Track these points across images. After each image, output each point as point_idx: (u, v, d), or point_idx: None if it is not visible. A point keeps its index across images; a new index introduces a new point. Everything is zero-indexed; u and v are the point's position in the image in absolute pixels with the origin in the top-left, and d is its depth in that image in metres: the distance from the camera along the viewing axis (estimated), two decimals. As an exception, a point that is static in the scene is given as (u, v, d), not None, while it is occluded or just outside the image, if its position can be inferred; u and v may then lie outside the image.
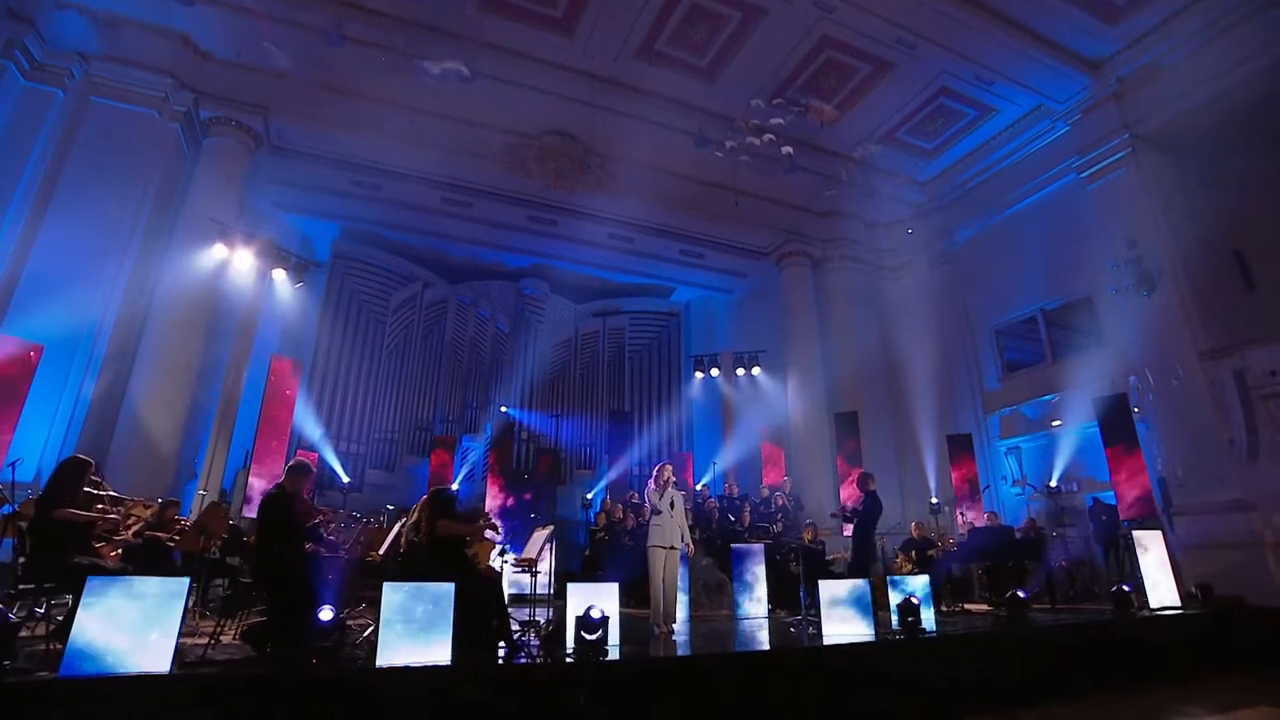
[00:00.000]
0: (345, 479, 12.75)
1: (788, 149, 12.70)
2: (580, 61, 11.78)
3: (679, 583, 8.53)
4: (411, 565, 6.33)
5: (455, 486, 13.85)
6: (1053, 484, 12.39)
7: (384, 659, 4.26)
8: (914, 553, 9.43)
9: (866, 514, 7.53)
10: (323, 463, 12.36)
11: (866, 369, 14.36)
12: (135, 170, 9.61)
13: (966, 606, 8.77)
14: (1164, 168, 11.69)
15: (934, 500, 13.22)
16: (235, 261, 10.01)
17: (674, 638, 6.26)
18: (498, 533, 6.35)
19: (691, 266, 16.39)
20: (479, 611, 5.21)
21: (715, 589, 9.42)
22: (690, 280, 17.25)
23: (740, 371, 15.14)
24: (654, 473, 7.11)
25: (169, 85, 9.99)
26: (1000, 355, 14.09)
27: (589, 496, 14.03)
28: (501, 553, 8.18)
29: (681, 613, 8.25)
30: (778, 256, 15.51)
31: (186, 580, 4.12)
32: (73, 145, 9.30)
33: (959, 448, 12.55)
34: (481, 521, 6.57)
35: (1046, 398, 12.87)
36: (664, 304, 18.00)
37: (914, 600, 5.65)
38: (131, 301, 9.55)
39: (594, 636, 4.77)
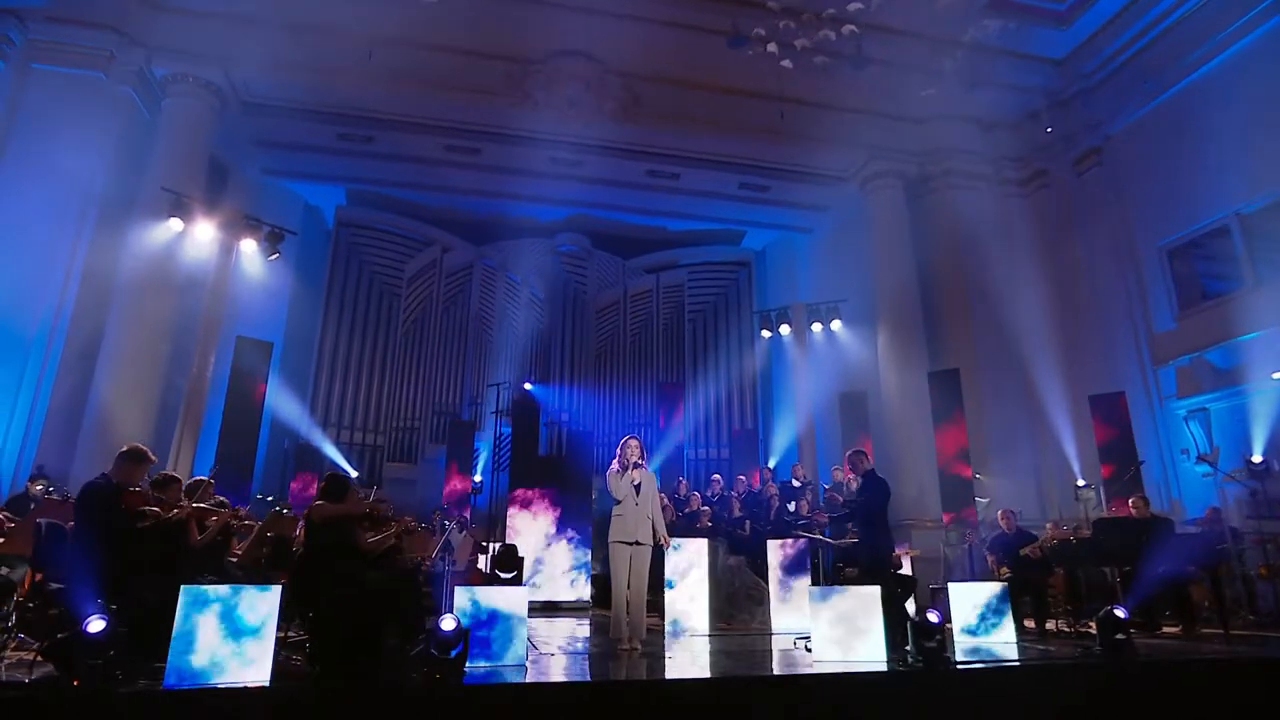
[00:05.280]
0: (353, 474, 12.78)
1: (850, 27, 11.00)
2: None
3: (705, 588, 7.70)
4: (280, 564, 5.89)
5: (478, 478, 13.58)
6: (1255, 459, 9.96)
7: (176, 679, 3.89)
8: (1001, 553, 7.77)
9: (867, 501, 6.18)
10: (321, 456, 12.46)
11: (982, 313, 12.32)
12: (86, 142, 9.73)
13: (1092, 626, 7.05)
14: None
15: (1080, 483, 11.20)
16: (198, 235, 10.05)
17: (640, 657, 5.50)
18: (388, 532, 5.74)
19: (756, 203, 14.92)
20: (363, 618, 4.70)
21: (746, 596, 8.36)
22: (760, 220, 15.76)
23: (816, 327, 13.57)
24: (618, 450, 6.27)
25: (114, 42, 10.05)
26: (1175, 284, 11.58)
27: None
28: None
29: (700, 625, 7.38)
30: (861, 180, 13.69)
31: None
32: (16, 119, 9.62)
33: (1107, 411, 10.42)
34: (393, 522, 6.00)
35: (1246, 337, 10.31)
36: (732, 252, 16.65)
37: (931, 619, 4.47)
38: (92, 286, 9.76)
39: (449, 655, 4.09)
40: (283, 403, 12.45)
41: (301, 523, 5.59)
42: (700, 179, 14.32)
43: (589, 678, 4.77)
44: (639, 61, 12.29)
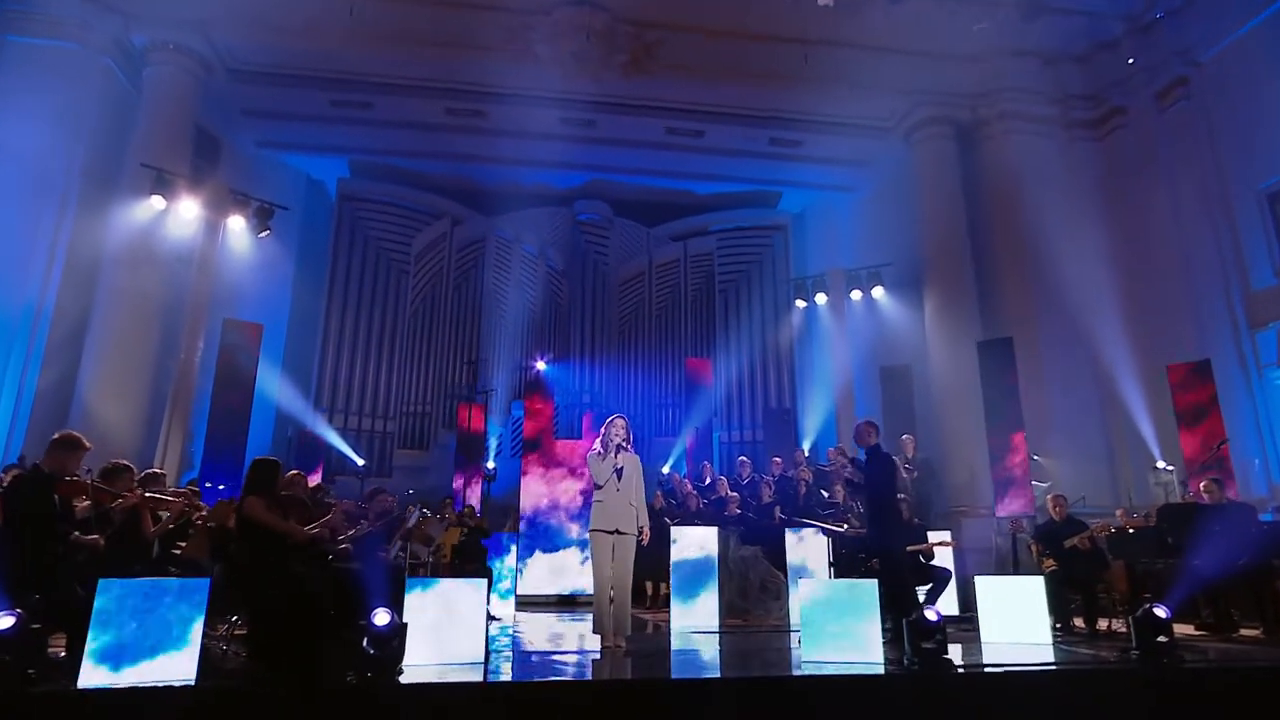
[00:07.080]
0: (359, 462, 12.79)
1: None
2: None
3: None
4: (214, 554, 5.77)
5: (491, 465, 13.47)
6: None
7: (90, 679, 3.77)
8: (1047, 543, 7.13)
9: (869, 483, 5.68)
10: (326, 446, 12.47)
11: (1043, 275, 11.48)
12: (65, 117, 9.76)
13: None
14: None
15: (1158, 464, 10.39)
16: (182, 212, 10.06)
17: (624, 656, 5.33)
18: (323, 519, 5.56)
19: (790, 160, 14.26)
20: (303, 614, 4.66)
21: (761, 589, 8.02)
22: (795, 179, 15.07)
23: (856, 295, 12.94)
24: (602, 429, 5.98)
25: (88, 9, 10.02)
26: (1277, 233, 10.57)
27: (664, 471, 12.98)
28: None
29: (709, 621, 7.09)
30: (905, 130, 12.90)
31: None
32: (-8, 95, 9.82)
33: (1191, 383, 9.59)
34: (330, 515, 5.81)
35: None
36: (766, 215, 16.01)
37: (929, 617, 4.15)
38: (76, 269, 9.82)
39: (382, 653, 3.96)
40: (285, 389, 12.51)
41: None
42: (726, 136, 13.76)
43: (531, 677, 4.56)
44: (649, 7, 11.75)
